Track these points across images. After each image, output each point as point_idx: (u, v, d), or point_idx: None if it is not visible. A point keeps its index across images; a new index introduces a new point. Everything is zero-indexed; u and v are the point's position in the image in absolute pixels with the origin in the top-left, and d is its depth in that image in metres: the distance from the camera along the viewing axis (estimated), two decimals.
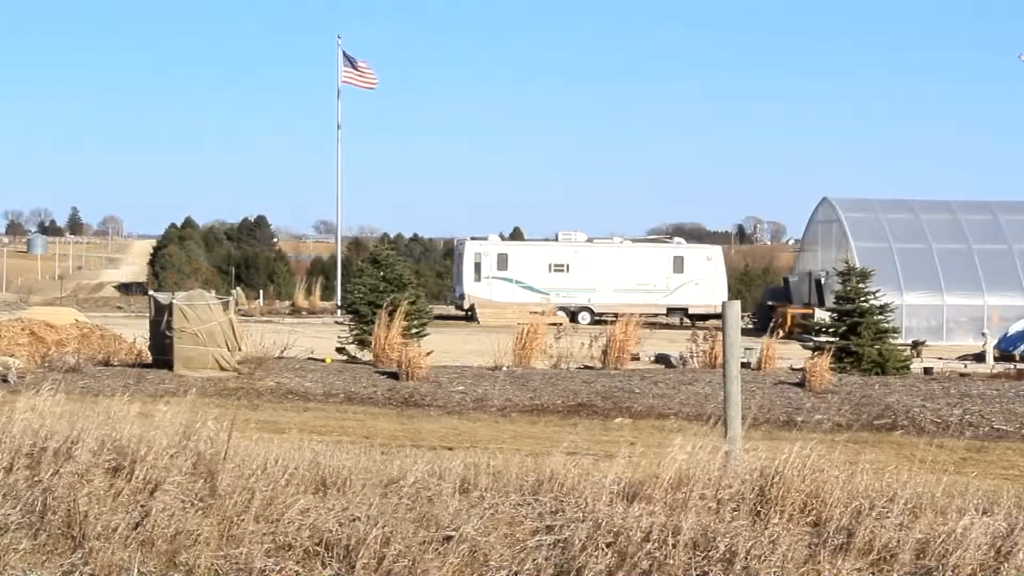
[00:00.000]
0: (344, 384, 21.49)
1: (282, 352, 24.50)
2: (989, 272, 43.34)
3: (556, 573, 6.39)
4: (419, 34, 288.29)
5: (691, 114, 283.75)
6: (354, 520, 6.69)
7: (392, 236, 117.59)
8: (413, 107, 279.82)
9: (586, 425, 18.67)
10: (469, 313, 49.99)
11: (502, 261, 51.30)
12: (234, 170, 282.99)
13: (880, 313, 26.02)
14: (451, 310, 52.64)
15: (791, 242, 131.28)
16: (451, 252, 64.03)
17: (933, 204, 47.88)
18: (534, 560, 6.42)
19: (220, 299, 23.75)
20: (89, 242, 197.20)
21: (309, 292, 54.50)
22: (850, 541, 6.64)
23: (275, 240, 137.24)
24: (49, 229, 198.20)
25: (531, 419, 19.38)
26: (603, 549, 6.43)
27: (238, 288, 58.37)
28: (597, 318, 46.82)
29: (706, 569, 6.34)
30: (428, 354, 22.62)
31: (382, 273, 27.11)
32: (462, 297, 51.28)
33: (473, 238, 53.34)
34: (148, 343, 23.55)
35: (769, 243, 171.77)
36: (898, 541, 6.60)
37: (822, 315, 33.76)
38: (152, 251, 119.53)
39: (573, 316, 47.93)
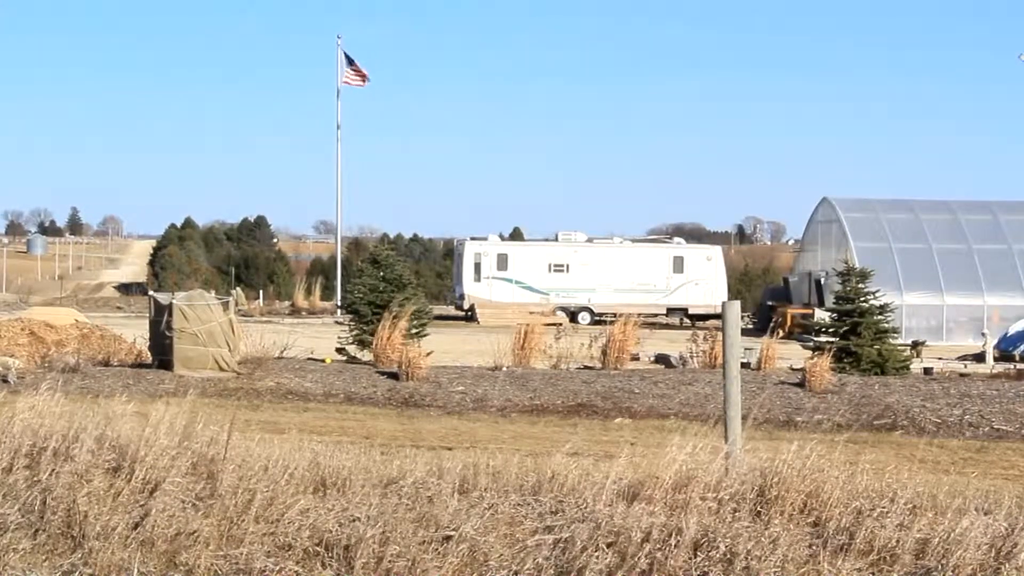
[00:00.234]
0: (344, 384, 21.49)
1: (282, 352, 24.50)
2: (989, 272, 43.34)
3: (556, 573, 6.38)
4: (419, 34, 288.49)
5: (691, 114, 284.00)
6: (354, 520, 6.68)
7: (392, 236, 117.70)
8: (413, 107, 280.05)
9: (586, 425, 18.68)
10: (469, 313, 50.00)
11: (502, 261, 51.30)
12: (234, 170, 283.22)
13: (880, 313, 26.02)
14: (451, 310, 52.64)
15: (791, 242, 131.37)
16: (451, 252, 64.04)
17: (933, 204, 47.87)
18: (534, 560, 6.42)
19: (220, 299, 23.75)
20: (89, 242, 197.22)
21: (309, 292, 54.50)
22: (850, 541, 6.64)
23: (275, 240, 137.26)
24: (49, 229, 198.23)
25: (531, 419, 19.38)
26: (603, 549, 6.43)
27: (238, 288, 58.36)
28: (597, 318, 46.81)
29: (706, 569, 6.34)
30: (428, 354, 22.63)
31: (382, 273, 27.11)
32: (462, 297, 51.29)
33: (473, 238, 53.34)
34: (148, 343, 23.55)
35: (769, 243, 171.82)
36: (898, 541, 6.60)
37: (822, 315, 33.74)
38: (152, 251, 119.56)
39: (573, 316, 47.94)
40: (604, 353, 24.55)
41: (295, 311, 50.93)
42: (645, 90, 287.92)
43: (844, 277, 26.80)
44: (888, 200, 48.19)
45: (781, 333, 39.37)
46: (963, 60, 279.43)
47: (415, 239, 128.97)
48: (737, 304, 9.16)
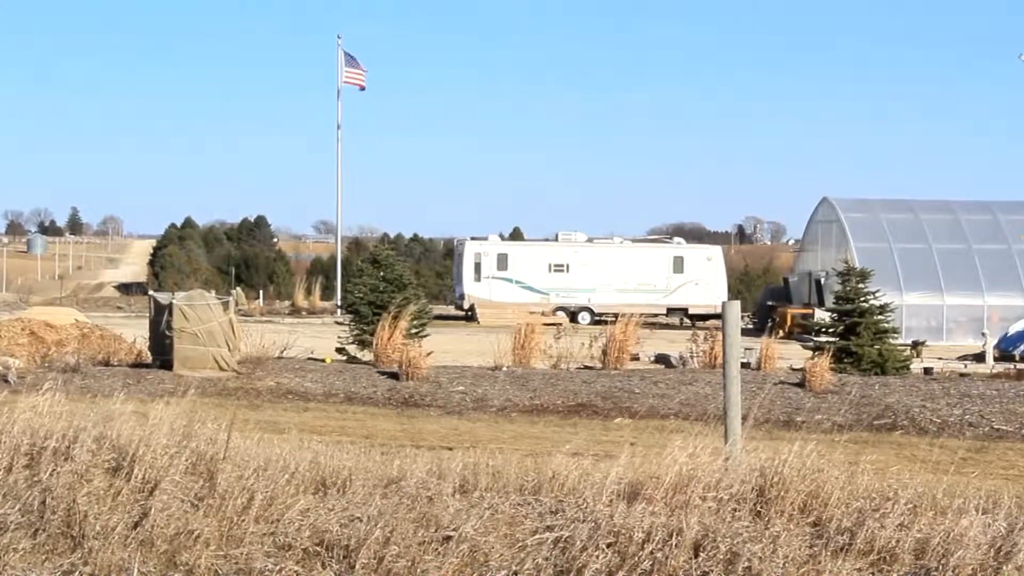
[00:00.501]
0: (344, 384, 21.49)
1: (282, 352, 24.50)
2: (989, 272, 43.35)
3: (556, 573, 6.38)
4: (419, 34, 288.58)
5: (691, 114, 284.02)
6: (354, 520, 6.68)
7: (392, 236, 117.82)
8: (413, 107, 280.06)
9: (586, 425, 18.68)
10: (469, 313, 50.00)
11: (502, 261, 51.30)
12: (234, 170, 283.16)
13: (880, 313, 26.01)
14: (451, 310, 52.64)
15: (791, 242, 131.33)
16: (451, 252, 64.03)
17: (933, 204, 47.88)
18: (534, 560, 6.42)
19: (220, 299, 23.74)
20: (89, 242, 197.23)
21: (309, 292, 54.50)
22: (851, 541, 6.64)
23: (275, 240, 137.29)
24: (49, 229, 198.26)
25: (531, 419, 19.38)
26: (603, 549, 6.43)
27: (238, 288, 58.36)
28: (597, 318, 46.82)
29: (707, 569, 6.34)
30: (428, 354, 22.62)
31: (382, 273, 27.10)
32: (462, 297, 51.29)
33: (473, 238, 53.34)
34: (148, 343, 23.54)
35: (769, 243, 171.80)
36: (898, 541, 6.60)
37: (822, 315, 33.75)
38: (152, 251, 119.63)
39: (573, 316, 47.96)
40: (604, 353, 24.55)
41: (295, 311, 50.93)
42: (645, 90, 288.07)
43: (844, 277, 26.80)
44: (888, 200, 48.19)
45: (781, 333, 39.51)
46: (963, 60, 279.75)
47: (415, 239, 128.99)
48: (737, 304, 9.16)
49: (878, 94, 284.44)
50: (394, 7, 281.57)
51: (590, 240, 53.68)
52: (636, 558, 6.37)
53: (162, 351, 22.27)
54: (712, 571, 6.33)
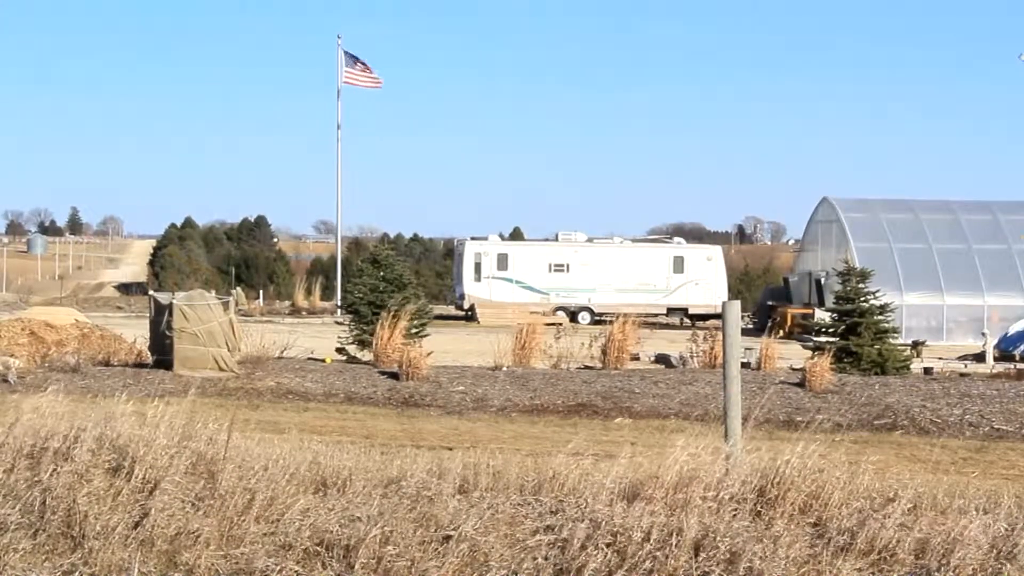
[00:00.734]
0: (344, 384, 21.49)
1: (282, 352, 24.50)
2: (989, 272, 43.34)
3: (556, 573, 6.38)
4: (419, 34, 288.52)
5: (691, 114, 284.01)
6: (354, 520, 6.68)
7: (392, 236, 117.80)
8: (413, 107, 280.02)
9: (586, 425, 18.68)
10: (469, 313, 49.99)
11: (502, 261, 51.29)
12: (234, 170, 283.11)
13: (880, 313, 26.01)
14: (451, 310, 52.62)
15: (791, 242, 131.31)
16: (451, 252, 64.03)
17: (933, 204, 47.87)
18: (534, 560, 6.42)
19: (220, 299, 23.73)
20: (89, 242, 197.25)
21: (309, 292, 54.48)
22: (851, 541, 6.64)
23: (275, 240, 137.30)
24: (49, 229, 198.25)
25: (531, 419, 19.38)
26: (603, 549, 6.43)
27: (238, 288, 58.33)
28: (597, 318, 46.82)
29: (707, 569, 6.34)
30: (428, 354, 22.62)
31: (382, 273, 27.10)
32: (462, 297, 51.28)
33: (473, 238, 53.33)
34: (148, 343, 23.54)
35: (769, 243, 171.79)
36: (899, 541, 6.60)
37: (822, 315, 33.75)
38: (152, 251, 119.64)
39: (573, 316, 47.95)
40: (604, 353, 24.55)
41: (295, 311, 50.91)
42: (645, 90, 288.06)
43: (844, 277, 26.80)
44: (888, 200, 48.18)
45: (781, 333, 39.52)
46: (963, 60, 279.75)
47: (415, 239, 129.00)
48: (737, 304, 9.16)
49: (878, 94, 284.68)
50: (394, 7, 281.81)
51: (590, 240, 53.67)
52: (636, 558, 6.37)
53: (162, 351, 22.26)
54: (712, 571, 6.33)
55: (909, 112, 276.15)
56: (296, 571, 6.30)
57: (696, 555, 6.42)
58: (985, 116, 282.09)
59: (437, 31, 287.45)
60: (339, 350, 25.69)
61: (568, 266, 51.20)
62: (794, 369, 23.76)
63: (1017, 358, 32.44)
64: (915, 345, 33.95)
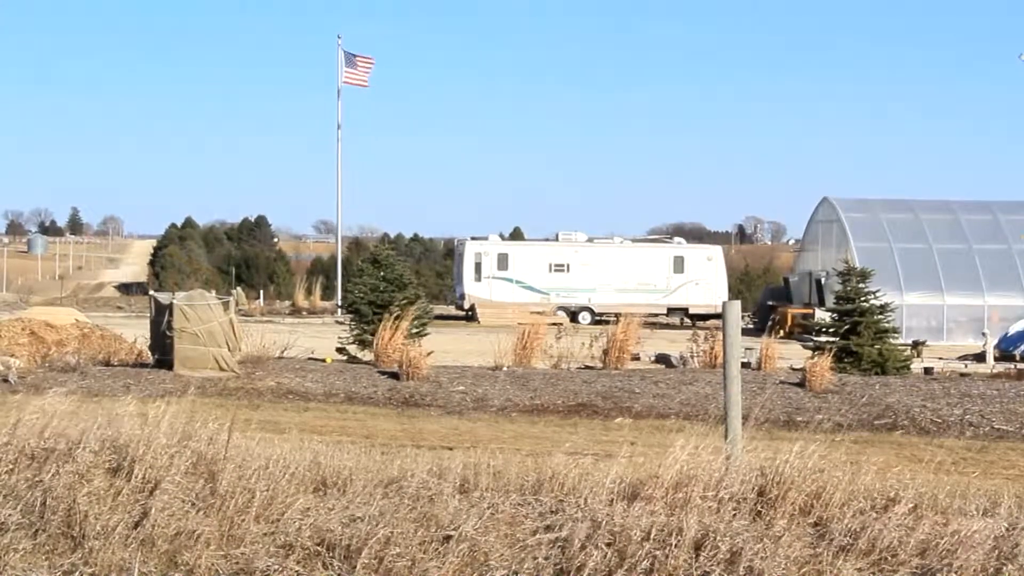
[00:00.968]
0: (344, 384, 21.49)
1: (282, 352, 24.51)
2: (989, 272, 43.35)
3: (556, 572, 6.38)
4: (419, 34, 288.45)
5: (691, 114, 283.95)
6: (355, 520, 6.68)
7: (392, 236, 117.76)
8: (413, 107, 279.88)
9: (586, 425, 18.69)
10: (469, 313, 50.00)
11: (502, 261, 51.30)
12: (234, 170, 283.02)
13: (880, 313, 26.01)
14: (451, 310, 52.63)
15: (791, 242, 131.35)
16: (451, 252, 64.03)
17: (933, 204, 47.88)
18: (534, 559, 6.42)
19: (220, 299, 23.73)
20: (89, 242, 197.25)
21: (309, 292, 54.50)
22: (852, 542, 6.64)
23: (275, 240, 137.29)
24: (49, 229, 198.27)
25: (531, 419, 19.38)
26: (603, 549, 6.43)
27: (238, 288, 58.36)
28: (598, 318, 46.83)
29: (707, 569, 6.34)
30: (429, 354, 22.62)
31: (382, 273, 27.10)
32: (462, 297, 51.28)
33: (473, 238, 53.33)
34: (148, 343, 23.55)
35: (769, 243, 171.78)
36: (900, 542, 6.59)
37: (822, 315, 33.76)
38: (152, 251, 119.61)
39: (573, 316, 47.95)
40: (605, 353, 24.55)
41: (295, 311, 50.93)
42: (645, 90, 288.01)
43: (844, 277, 26.80)
44: (888, 200, 48.19)
45: (781, 333, 39.53)
46: (963, 60, 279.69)
47: (415, 239, 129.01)
48: (737, 304, 9.17)
49: (878, 94, 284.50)
50: (394, 7, 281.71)
51: (590, 240, 53.69)
52: (635, 557, 6.37)
53: (163, 351, 22.27)
54: (712, 571, 6.32)
55: (909, 112, 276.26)
56: (297, 571, 6.30)
57: (696, 555, 6.41)
58: (985, 116, 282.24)
59: (437, 31, 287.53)
60: (339, 350, 25.70)
61: (568, 266, 51.21)
62: (794, 369, 23.77)
63: (1017, 358, 32.44)
64: (915, 345, 33.96)
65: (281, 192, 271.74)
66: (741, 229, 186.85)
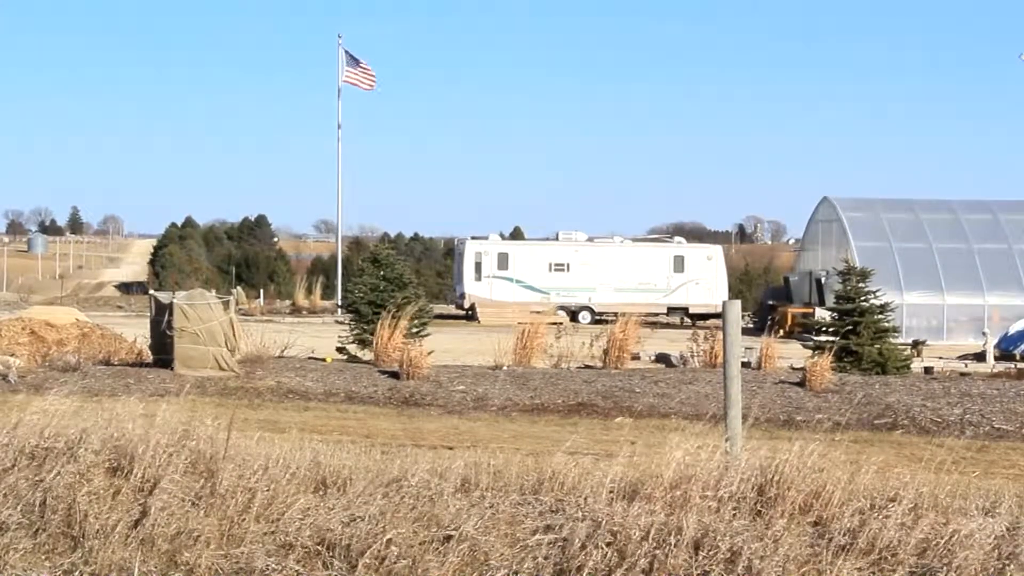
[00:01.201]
0: (345, 383, 21.49)
1: (282, 351, 24.50)
2: (989, 272, 43.34)
3: (556, 572, 6.38)
4: (419, 34, 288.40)
5: (691, 114, 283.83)
6: (355, 519, 6.68)
7: (392, 235, 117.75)
8: (413, 107, 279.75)
9: (586, 424, 18.69)
10: (469, 312, 49.99)
11: (503, 260, 51.29)
12: (234, 170, 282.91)
13: (880, 313, 26.00)
14: (451, 309, 52.61)
15: (791, 242, 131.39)
16: (451, 251, 64.00)
17: (933, 204, 47.87)
18: (534, 559, 6.42)
19: (220, 298, 23.72)
20: (89, 242, 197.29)
21: (309, 291, 54.47)
22: (852, 541, 6.64)
23: (275, 240, 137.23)
24: (49, 229, 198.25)
25: (531, 418, 19.38)
26: (603, 548, 6.43)
27: (238, 287, 58.35)
28: (598, 317, 46.82)
29: (707, 568, 6.34)
30: (429, 354, 22.61)
31: (382, 272, 27.10)
32: (462, 296, 51.27)
33: (474, 237, 53.32)
34: (148, 342, 23.54)
35: (769, 243, 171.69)
36: (900, 541, 6.59)
37: (822, 314, 33.74)
38: (152, 251, 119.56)
39: (574, 315, 47.92)
40: (605, 352, 24.53)
41: (295, 310, 50.93)
42: (645, 89, 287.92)
43: (844, 276, 26.79)
44: (888, 200, 48.18)
45: (782, 332, 39.51)
46: (963, 60, 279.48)
47: (416, 238, 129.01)
48: (737, 303, 9.18)
49: (878, 94, 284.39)
50: (394, 7, 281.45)
51: (590, 239, 53.67)
52: (635, 557, 6.37)
53: (163, 350, 22.27)
54: (712, 570, 6.32)
55: (909, 112, 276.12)
56: (297, 571, 6.30)
57: (696, 554, 6.42)
58: (985, 116, 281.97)
59: (437, 31, 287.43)
60: (339, 349, 25.69)
61: (568, 265, 51.20)
62: (794, 368, 23.76)
63: (1018, 357, 32.42)
64: (915, 344, 33.95)
65: (281, 192, 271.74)
66: (741, 229, 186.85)
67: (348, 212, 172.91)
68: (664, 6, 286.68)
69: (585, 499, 7.06)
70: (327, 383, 21.47)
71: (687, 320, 49.05)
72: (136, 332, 25.92)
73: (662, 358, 26.78)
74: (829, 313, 28.52)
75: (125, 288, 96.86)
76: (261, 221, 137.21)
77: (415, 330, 25.27)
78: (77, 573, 6.26)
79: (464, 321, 48.66)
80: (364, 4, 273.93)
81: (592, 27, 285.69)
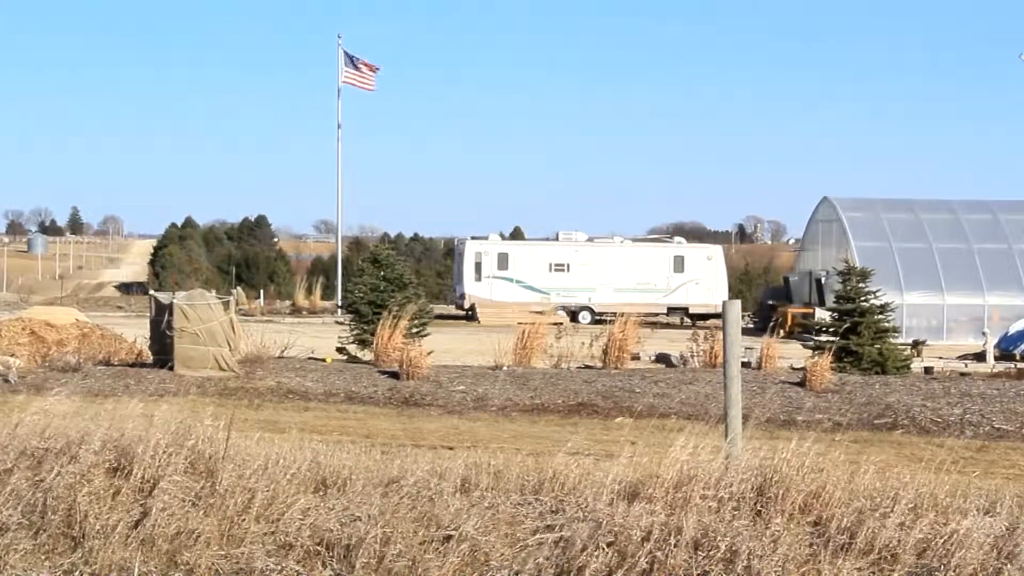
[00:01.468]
0: (345, 384, 21.49)
1: (282, 352, 24.51)
2: (989, 272, 43.34)
3: (556, 572, 6.38)
4: (419, 34, 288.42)
5: (691, 114, 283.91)
6: (355, 520, 6.68)
7: (392, 236, 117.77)
8: (413, 107, 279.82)
9: (586, 424, 18.68)
10: (469, 313, 49.99)
11: (503, 261, 51.29)
12: (234, 170, 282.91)
13: (880, 313, 26.00)
14: (451, 310, 52.61)
15: (791, 242, 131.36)
16: (451, 252, 64.00)
17: (933, 204, 47.86)
18: (535, 559, 6.42)
19: (220, 299, 23.72)
20: (89, 242, 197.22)
21: (309, 292, 54.47)
22: (851, 541, 6.64)
23: (275, 240, 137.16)
24: (49, 229, 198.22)
25: (531, 419, 19.38)
26: (603, 548, 6.43)
27: (238, 288, 58.35)
28: (598, 317, 46.80)
29: (707, 568, 6.34)
30: (429, 354, 22.61)
31: (382, 273, 27.10)
32: (462, 297, 51.27)
33: (474, 237, 53.32)
34: (148, 343, 23.54)
35: (769, 243, 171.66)
36: (899, 541, 6.59)
37: (822, 315, 33.75)
38: (152, 251, 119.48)
39: (574, 315, 47.93)
40: (605, 352, 24.53)
41: (296, 310, 50.93)
42: (645, 89, 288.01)
43: (844, 276, 26.79)
44: (888, 200, 48.17)
45: (782, 332, 39.49)
46: (963, 60, 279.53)
47: (416, 238, 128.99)
48: (738, 303, 9.17)
49: (878, 94, 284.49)
50: (394, 7, 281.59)
51: (590, 239, 53.67)
52: (635, 557, 6.37)
53: (163, 351, 22.26)
54: (712, 570, 6.33)
55: (909, 112, 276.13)
56: (297, 571, 6.30)
57: (696, 554, 6.42)
58: (985, 116, 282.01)
59: (437, 31, 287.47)
60: (339, 350, 25.70)
61: (568, 266, 51.21)
62: (794, 368, 23.77)
63: (1018, 357, 32.43)
64: (915, 344, 33.95)
65: (281, 192, 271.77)
66: (741, 229, 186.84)
67: (348, 212, 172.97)
68: (664, 6, 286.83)
69: (586, 499, 7.06)
70: (327, 383, 21.47)
71: (687, 320, 49.05)
72: (136, 332, 25.92)
73: (662, 358, 26.78)
74: (829, 313, 28.52)
75: (125, 288, 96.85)
76: (261, 221, 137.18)
77: (415, 330, 25.27)
78: (77, 573, 6.26)
79: (464, 321, 48.65)
80: (364, 4, 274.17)
81: (592, 27, 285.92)
